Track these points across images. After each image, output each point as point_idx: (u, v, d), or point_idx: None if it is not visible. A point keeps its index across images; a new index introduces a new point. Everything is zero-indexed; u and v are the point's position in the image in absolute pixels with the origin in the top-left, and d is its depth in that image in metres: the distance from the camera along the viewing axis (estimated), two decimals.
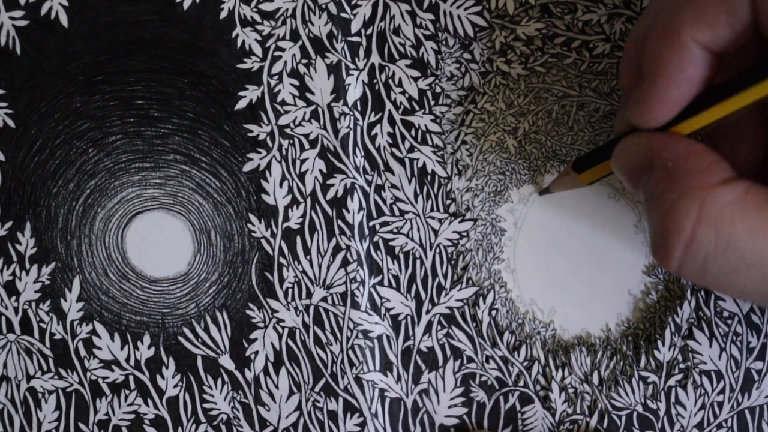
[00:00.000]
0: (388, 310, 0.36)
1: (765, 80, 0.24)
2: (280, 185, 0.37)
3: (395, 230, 0.36)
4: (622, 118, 0.29)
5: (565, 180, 0.34)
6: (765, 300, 0.25)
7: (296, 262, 0.36)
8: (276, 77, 0.36)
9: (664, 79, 0.26)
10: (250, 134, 0.37)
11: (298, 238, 0.36)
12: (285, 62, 0.36)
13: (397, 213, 0.36)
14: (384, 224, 0.36)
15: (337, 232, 0.36)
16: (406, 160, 0.36)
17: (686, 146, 0.26)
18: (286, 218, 0.37)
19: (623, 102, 0.30)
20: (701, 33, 0.25)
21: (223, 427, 0.37)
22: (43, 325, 0.37)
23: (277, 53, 0.36)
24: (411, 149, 0.36)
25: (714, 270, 0.25)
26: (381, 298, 0.36)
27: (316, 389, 0.36)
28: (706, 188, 0.24)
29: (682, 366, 0.36)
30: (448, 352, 0.36)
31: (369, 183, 0.36)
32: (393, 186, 0.36)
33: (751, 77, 0.24)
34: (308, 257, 0.36)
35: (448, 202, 0.36)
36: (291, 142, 0.36)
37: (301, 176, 0.36)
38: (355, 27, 0.36)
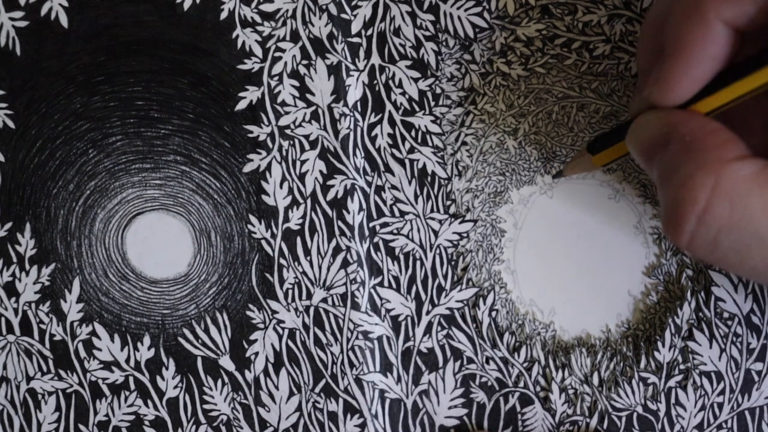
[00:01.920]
0: (388, 311, 0.36)
1: None
2: (281, 186, 0.37)
3: (395, 231, 0.36)
4: (639, 98, 0.29)
5: (580, 162, 0.34)
6: None
7: (296, 263, 0.36)
8: (276, 78, 0.36)
9: (687, 56, 0.26)
10: (250, 135, 0.37)
11: (299, 239, 0.36)
12: (285, 63, 0.36)
13: (397, 214, 0.36)
14: (384, 225, 0.36)
15: (337, 233, 0.36)
16: (407, 161, 0.36)
17: (703, 122, 0.26)
18: (287, 219, 0.37)
19: (640, 82, 0.30)
20: (726, 9, 0.25)
21: (223, 428, 0.37)
22: (43, 326, 0.37)
23: (277, 54, 0.36)
24: (411, 150, 0.36)
25: (725, 245, 0.25)
26: (381, 299, 0.36)
27: (317, 390, 0.36)
28: (723, 162, 0.24)
29: (682, 367, 0.36)
30: (448, 353, 0.36)
31: (369, 184, 0.36)
32: (393, 187, 0.36)
33: None
34: (308, 258, 0.36)
35: (449, 203, 0.36)
36: (291, 143, 0.36)
37: (302, 177, 0.36)
38: (355, 28, 0.36)
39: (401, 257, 0.36)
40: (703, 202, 0.24)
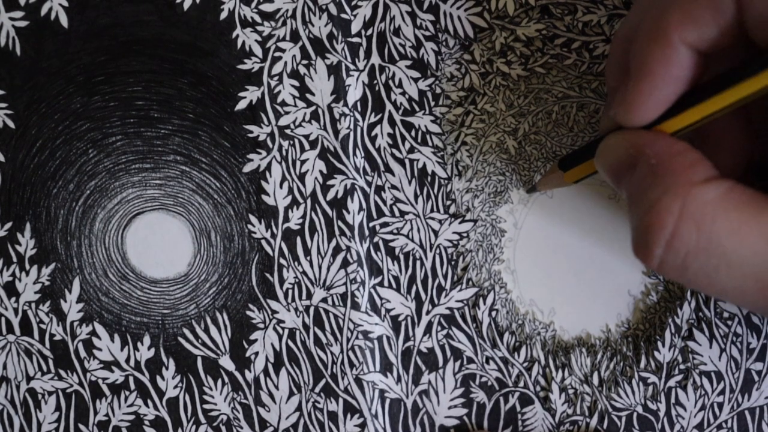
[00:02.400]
0: (388, 310, 0.36)
1: (747, 79, 0.24)
2: (281, 186, 0.37)
3: (395, 231, 0.36)
4: (608, 116, 0.29)
5: (552, 178, 0.34)
6: (745, 300, 0.25)
7: (296, 263, 0.36)
8: (276, 78, 0.36)
9: (651, 78, 0.26)
10: (250, 135, 0.37)
11: (299, 239, 0.36)
12: (285, 63, 0.36)
13: (397, 214, 0.36)
14: (384, 225, 0.36)
15: (337, 232, 0.36)
16: (406, 161, 0.36)
17: (670, 144, 0.26)
18: (287, 219, 0.37)
19: (609, 101, 0.30)
20: (688, 32, 0.25)
21: (223, 428, 0.37)
22: (43, 326, 0.37)
23: (277, 54, 0.36)
24: (411, 150, 0.36)
25: (694, 268, 0.25)
26: (381, 298, 0.36)
27: (317, 390, 0.36)
28: (689, 186, 0.24)
29: (682, 367, 0.36)
30: (448, 353, 0.36)
31: (369, 184, 0.36)
32: (393, 187, 0.36)
33: (734, 76, 0.24)
34: (308, 258, 0.36)
35: (449, 202, 0.36)
36: (291, 142, 0.36)
37: (301, 177, 0.36)
38: (355, 28, 0.36)
39: (401, 257, 0.36)
40: (671, 227, 0.24)
